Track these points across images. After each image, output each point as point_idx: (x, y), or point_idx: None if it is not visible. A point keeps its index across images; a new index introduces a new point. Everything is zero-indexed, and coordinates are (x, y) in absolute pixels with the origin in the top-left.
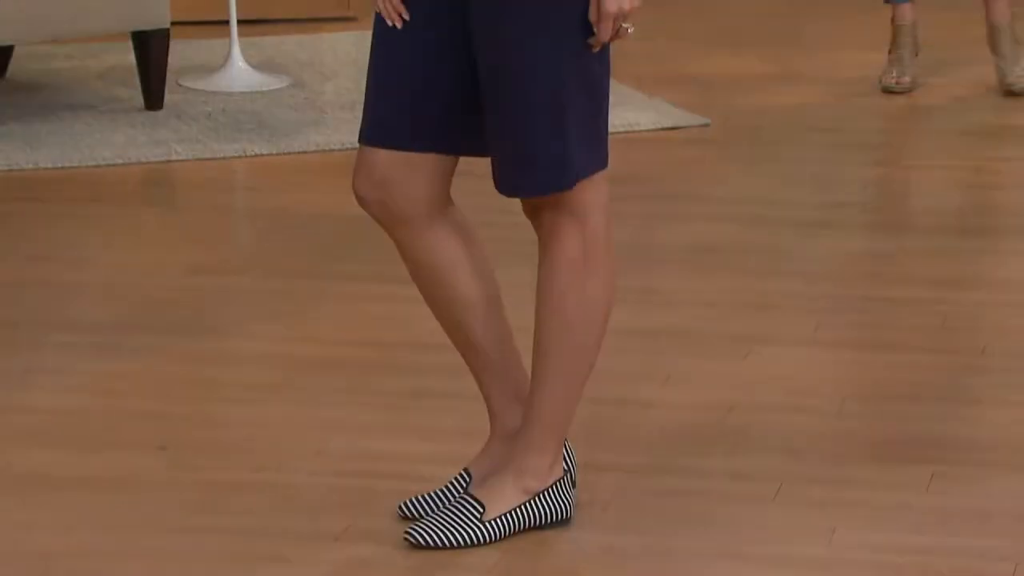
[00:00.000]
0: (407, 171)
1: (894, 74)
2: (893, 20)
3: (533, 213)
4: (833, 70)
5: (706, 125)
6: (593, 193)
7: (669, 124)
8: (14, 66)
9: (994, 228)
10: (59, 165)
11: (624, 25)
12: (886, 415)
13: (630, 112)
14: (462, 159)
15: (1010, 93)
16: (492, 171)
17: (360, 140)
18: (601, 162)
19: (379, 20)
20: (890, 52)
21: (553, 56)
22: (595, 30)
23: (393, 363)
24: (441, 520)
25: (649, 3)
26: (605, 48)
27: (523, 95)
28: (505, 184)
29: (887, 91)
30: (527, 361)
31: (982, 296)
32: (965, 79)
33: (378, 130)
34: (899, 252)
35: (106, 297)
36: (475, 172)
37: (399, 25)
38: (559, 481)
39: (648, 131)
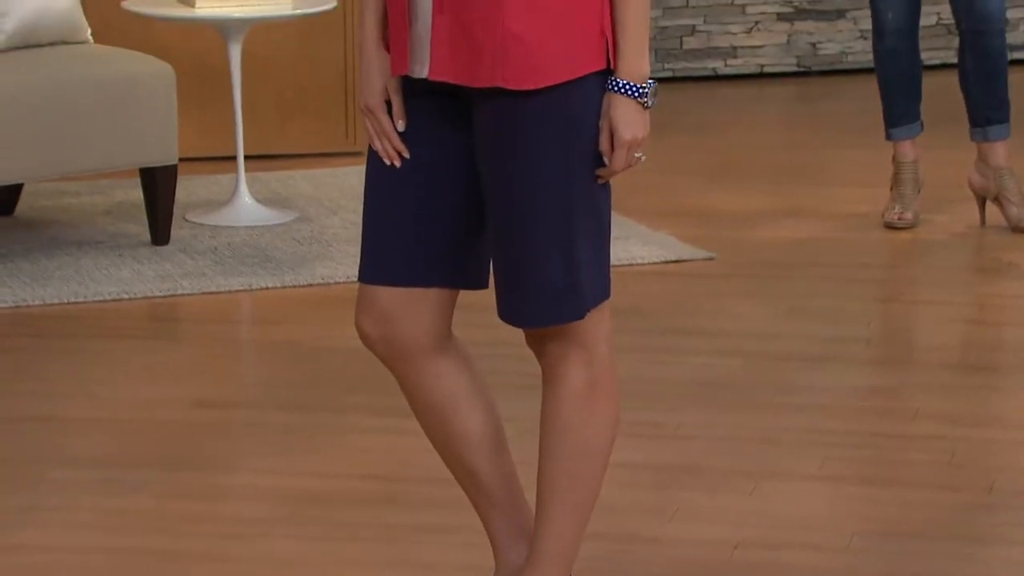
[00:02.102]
0: (409, 306)
1: (896, 210)
2: (895, 157)
3: (538, 343)
4: (836, 205)
5: (710, 259)
6: (598, 323)
7: (673, 257)
8: (23, 203)
9: (999, 365)
10: (65, 301)
11: (636, 154)
12: (894, 552)
13: (634, 245)
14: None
15: (1019, 230)
16: (497, 300)
17: (360, 278)
18: (606, 292)
19: (374, 156)
20: (892, 188)
21: (564, 186)
22: (606, 160)
23: (398, 497)
24: None
25: (652, 137)
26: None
27: (534, 225)
28: (513, 314)
29: (890, 227)
30: (530, 495)
31: (989, 433)
32: (967, 216)
33: (378, 267)
34: (904, 387)
35: (109, 432)
36: (464, 304)
37: (397, 164)
38: None
39: (652, 264)
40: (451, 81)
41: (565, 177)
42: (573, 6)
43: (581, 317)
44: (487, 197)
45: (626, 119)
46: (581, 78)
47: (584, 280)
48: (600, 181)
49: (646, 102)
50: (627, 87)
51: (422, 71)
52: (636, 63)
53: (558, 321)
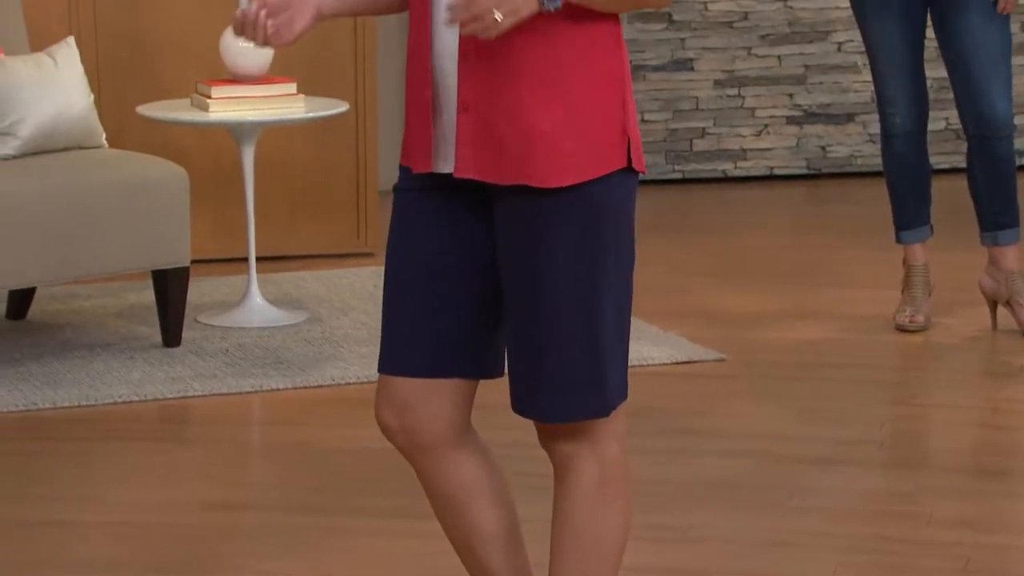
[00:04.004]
0: (427, 397)
1: (907, 313)
2: (905, 260)
3: (549, 441)
4: (847, 307)
5: (721, 360)
6: (610, 422)
7: (683, 358)
8: (35, 306)
9: (1014, 470)
10: (76, 404)
11: (497, 16)
12: None
13: (645, 346)
14: None
15: None
16: (512, 393)
17: (379, 368)
18: (625, 391)
19: (393, 247)
20: (903, 291)
21: (588, 282)
22: None
23: None
24: None
25: (664, 239)
26: (631, 275)
27: (557, 322)
28: (533, 409)
29: (901, 330)
30: None
31: (1005, 539)
32: (979, 320)
33: (396, 357)
34: (918, 491)
35: (118, 536)
36: (477, 403)
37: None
38: None
39: (663, 365)
40: (476, 178)
41: (588, 273)
42: (595, 104)
43: (606, 414)
44: (507, 291)
45: None
46: (604, 176)
47: (608, 376)
48: (450, 19)
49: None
50: None
51: (447, 167)
52: None
53: (581, 417)
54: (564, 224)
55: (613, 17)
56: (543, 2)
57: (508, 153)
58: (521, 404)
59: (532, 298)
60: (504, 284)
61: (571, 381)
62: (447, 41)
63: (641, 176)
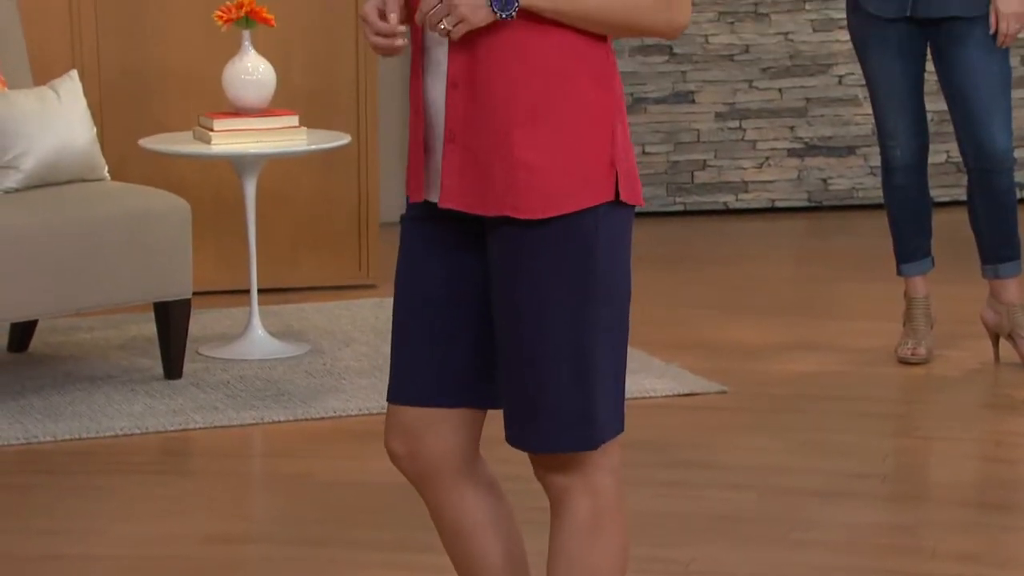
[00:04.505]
0: (434, 426)
1: (909, 345)
2: (906, 293)
3: (543, 473)
4: (849, 339)
5: (723, 392)
6: (603, 455)
7: (686, 391)
8: (37, 339)
9: (1017, 503)
10: (77, 436)
11: (442, 25)
12: None
13: (647, 378)
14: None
15: None
16: (505, 424)
17: (387, 397)
18: (621, 425)
19: (401, 277)
20: (905, 324)
21: (577, 315)
22: None
23: None
24: None
25: (665, 271)
26: (627, 308)
27: (545, 355)
28: (522, 440)
29: (903, 362)
30: None
31: (1008, 573)
32: (981, 353)
33: (403, 386)
34: (921, 525)
35: (119, 569)
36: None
37: (399, 44)
38: None
39: (664, 397)
40: (460, 209)
41: (576, 307)
42: (583, 136)
43: (595, 447)
44: (496, 322)
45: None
46: (590, 208)
47: (598, 408)
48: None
49: (496, 11)
50: None
51: (436, 196)
52: None
53: (568, 449)
54: (549, 256)
55: (606, 48)
56: (497, 11)
57: (493, 184)
58: (512, 435)
59: (519, 329)
60: (494, 314)
61: (558, 414)
62: (438, 72)
63: (642, 208)
